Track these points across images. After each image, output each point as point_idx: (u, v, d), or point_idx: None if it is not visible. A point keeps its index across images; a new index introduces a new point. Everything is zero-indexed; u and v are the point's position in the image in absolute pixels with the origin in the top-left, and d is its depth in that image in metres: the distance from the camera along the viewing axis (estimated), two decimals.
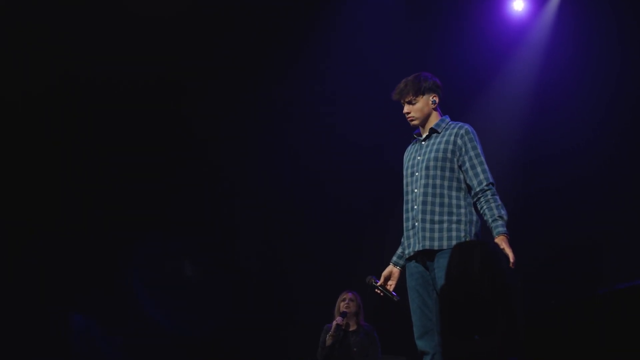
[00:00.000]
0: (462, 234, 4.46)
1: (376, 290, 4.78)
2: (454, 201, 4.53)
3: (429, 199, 4.54)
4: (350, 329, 7.02)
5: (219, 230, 9.15)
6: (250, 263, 9.22)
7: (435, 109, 4.75)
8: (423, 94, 4.70)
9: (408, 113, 4.74)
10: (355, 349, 6.88)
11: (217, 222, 9.17)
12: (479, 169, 4.51)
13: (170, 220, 8.93)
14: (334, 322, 6.94)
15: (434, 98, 4.73)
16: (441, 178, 4.56)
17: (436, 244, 4.47)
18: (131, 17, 7.85)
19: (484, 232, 4.50)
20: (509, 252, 4.24)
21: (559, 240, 7.53)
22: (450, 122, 4.75)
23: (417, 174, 4.65)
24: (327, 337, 6.90)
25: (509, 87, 8.20)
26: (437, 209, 4.53)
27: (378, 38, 8.26)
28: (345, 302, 7.05)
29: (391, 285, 4.78)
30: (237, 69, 8.61)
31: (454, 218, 4.50)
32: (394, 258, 4.82)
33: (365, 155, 8.83)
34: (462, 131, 4.61)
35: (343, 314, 6.96)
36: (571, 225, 7.51)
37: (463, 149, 4.57)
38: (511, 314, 3.19)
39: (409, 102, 4.71)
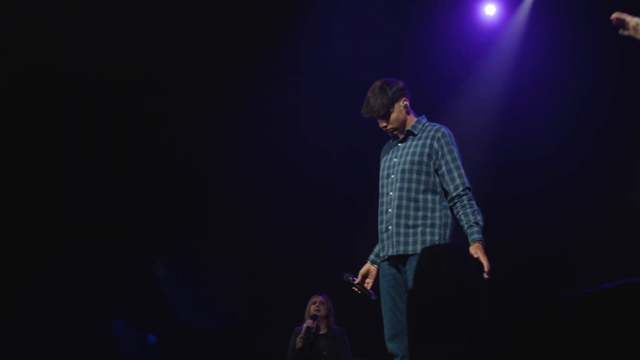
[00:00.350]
0: (437, 238, 4.45)
1: (354, 288, 4.76)
2: (429, 205, 4.52)
3: (404, 202, 4.52)
4: (321, 332, 7.00)
5: (189, 235, 9.09)
6: (220, 267, 9.17)
7: (408, 112, 4.70)
8: (393, 104, 4.64)
9: (385, 126, 4.69)
10: (325, 352, 6.87)
11: (187, 227, 9.11)
12: (455, 174, 4.49)
13: (137, 226, 8.89)
14: (305, 325, 6.92)
15: (405, 102, 4.68)
16: (417, 182, 4.53)
17: (410, 249, 4.46)
18: (104, 17, 7.81)
19: (460, 236, 4.47)
20: (483, 260, 4.22)
21: (529, 245, 7.55)
22: (427, 124, 4.71)
23: (392, 176, 4.63)
24: (297, 339, 6.88)
25: (480, 91, 8.20)
26: (411, 213, 4.51)
27: (350, 41, 8.22)
28: (315, 305, 7.04)
29: (369, 283, 4.76)
30: (209, 74, 8.56)
31: (428, 222, 4.48)
32: (372, 256, 4.80)
33: (337, 161, 8.82)
34: (439, 134, 4.58)
35: (313, 317, 6.95)
36: (541, 231, 7.52)
37: (439, 153, 4.54)
38: (480, 317, 3.19)
39: (383, 117, 4.66)
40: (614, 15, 3.92)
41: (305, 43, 8.34)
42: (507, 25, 8.07)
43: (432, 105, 7.88)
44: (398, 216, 4.52)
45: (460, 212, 4.44)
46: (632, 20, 3.88)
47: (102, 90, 8.28)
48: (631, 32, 3.88)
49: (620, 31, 3.94)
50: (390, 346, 4.50)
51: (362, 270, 4.79)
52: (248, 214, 9.10)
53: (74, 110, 8.41)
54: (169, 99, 8.57)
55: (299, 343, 6.85)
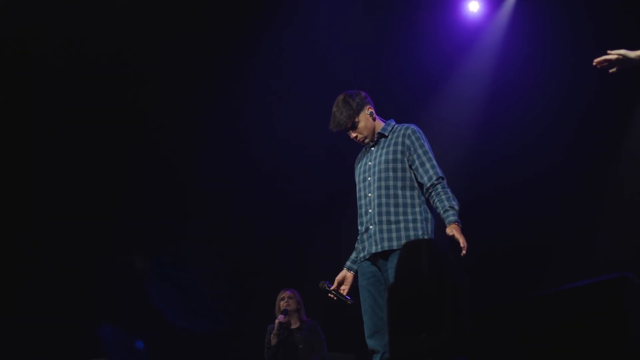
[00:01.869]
0: (420, 233, 4.55)
1: (330, 294, 4.83)
2: (409, 200, 4.62)
3: (384, 200, 4.63)
4: (293, 327, 6.98)
5: (168, 230, 9.02)
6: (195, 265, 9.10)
7: (375, 118, 4.85)
8: (359, 113, 4.78)
9: (356, 137, 4.83)
10: (301, 346, 6.85)
11: (165, 222, 9.03)
12: (427, 165, 4.62)
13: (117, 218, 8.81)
14: (277, 321, 6.87)
15: (369, 110, 4.83)
16: (394, 179, 4.66)
17: (395, 244, 4.53)
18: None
19: (442, 230, 4.49)
20: (460, 238, 4.33)
21: (510, 241, 7.55)
22: (396, 125, 4.87)
23: (369, 178, 4.74)
24: (272, 336, 6.85)
25: (463, 88, 8.19)
26: (392, 209, 4.61)
27: (332, 39, 8.15)
28: (284, 301, 7.02)
29: (344, 289, 4.84)
30: (190, 64, 8.48)
31: (410, 217, 4.58)
32: (348, 263, 4.88)
33: (320, 157, 8.78)
34: (409, 131, 4.74)
35: (284, 312, 6.92)
36: (523, 228, 7.53)
37: (412, 148, 4.68)
38: (458, 312, 3.18)
39: (352, 127, 4.79)
40: (595, 62, 3.95)
41: (286, 41, 8.29)
42: (491, 22, 8.05)
43: (414, 102, 7.91)
44: (379, 214, 4.62)
45: (436, 200, 4.55)
46: (613, 55, 3.90)
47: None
48: (621, 66, 3.90)
49: (610, 70, 3.95)
50: (371, 343, 4.58)
51: (339, 277, 4.87)
52: (228, 213, 9.04)
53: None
54: (151, 90, 8.51)
55: (273, 340, 6.82)
